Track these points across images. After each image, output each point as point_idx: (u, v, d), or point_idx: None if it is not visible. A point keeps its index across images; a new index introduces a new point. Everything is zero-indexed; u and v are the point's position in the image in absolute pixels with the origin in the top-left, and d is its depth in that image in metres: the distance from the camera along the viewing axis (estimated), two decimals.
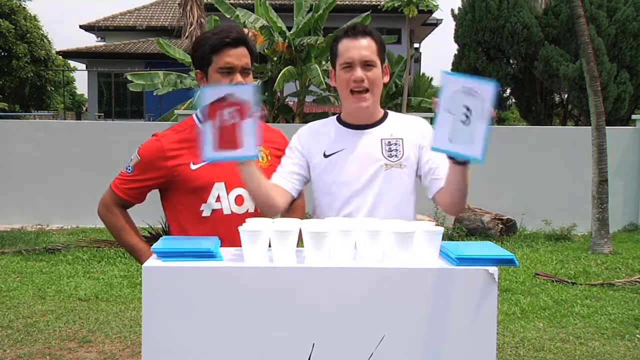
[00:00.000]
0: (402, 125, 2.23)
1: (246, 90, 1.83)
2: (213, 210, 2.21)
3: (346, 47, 2.13)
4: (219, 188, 2.21)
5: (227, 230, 2.09)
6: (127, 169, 2.26)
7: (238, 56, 2.18)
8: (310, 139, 2.23)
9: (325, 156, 2.18)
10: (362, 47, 2.11)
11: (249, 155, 1.85)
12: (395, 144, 2.17)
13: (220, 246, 1.85)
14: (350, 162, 2.15)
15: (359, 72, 2.11)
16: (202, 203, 2.21)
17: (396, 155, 2.16)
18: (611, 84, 15.47)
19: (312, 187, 2.25)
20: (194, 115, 2.32)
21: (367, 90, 2.14)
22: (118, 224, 2.28)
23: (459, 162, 1.85)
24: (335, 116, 2.30)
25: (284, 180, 2.17)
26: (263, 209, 2.08)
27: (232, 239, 1.79)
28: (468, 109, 1.75)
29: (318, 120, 2.34)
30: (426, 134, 2.18)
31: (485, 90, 1.75)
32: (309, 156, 2.21)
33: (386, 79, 2.21)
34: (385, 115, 2.25)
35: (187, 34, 8.84)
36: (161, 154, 2.21)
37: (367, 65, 2.12)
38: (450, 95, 1.77)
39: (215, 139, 1.82)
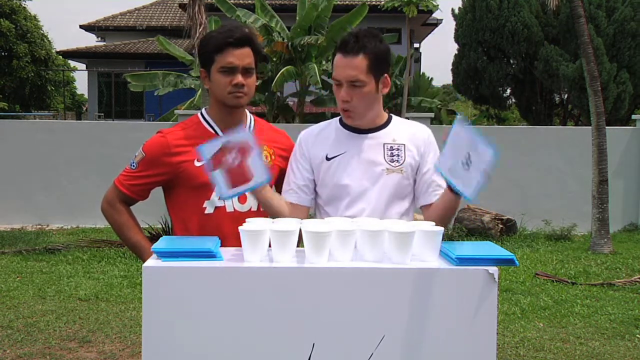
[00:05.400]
0: (404, 131, 2.24)
1: (240, 133, 1.91)
2: (216, 207, 2.22)
3: (337, 63, 2.13)
4: None
5: (229, 227, 2.09)
6: (131, 165, 2.26)
7: (240, 56, 2.18)
8: (312, 143, 2.25)
9: (328, 159, 2.20)
10: (351, 66, 2.08)
11: (261, 182, 1.93)
12: (397, 149, 2.19)
13: (223, 244, 1.86)
14: (352, 165, 2.17)
15: (344, 93, 2.12)
16: (205, 200, 2.21)
17: (398, 161, 2.18)
18: (611, 84, 15.45)
19: (315, 189, 2.26)
20: (199, 113, 2.33)
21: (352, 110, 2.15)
22: (121, 220, 2.28)
23: (454, 192, 1.95)
24: (337, 118, 2.30)
25: (297, 196, 2.21)
26: None
27: (234, 237, 1.79)
28: (469, 157, 1.86)
29: (319, 123, 2.35)
30: (427, 140, 2.23)
31: (486, 153, 1.86)
32: (312, 159, 2.23)
33: (385, 90, 2.20)
34: (389, 120, 2.25)
35: (197, 36, 8.82)
36: (166, 150, 2.21)
37: (353, 85, 2.10)
38: (458, 136, 1.88)
39: (227, 181, 1.88)
